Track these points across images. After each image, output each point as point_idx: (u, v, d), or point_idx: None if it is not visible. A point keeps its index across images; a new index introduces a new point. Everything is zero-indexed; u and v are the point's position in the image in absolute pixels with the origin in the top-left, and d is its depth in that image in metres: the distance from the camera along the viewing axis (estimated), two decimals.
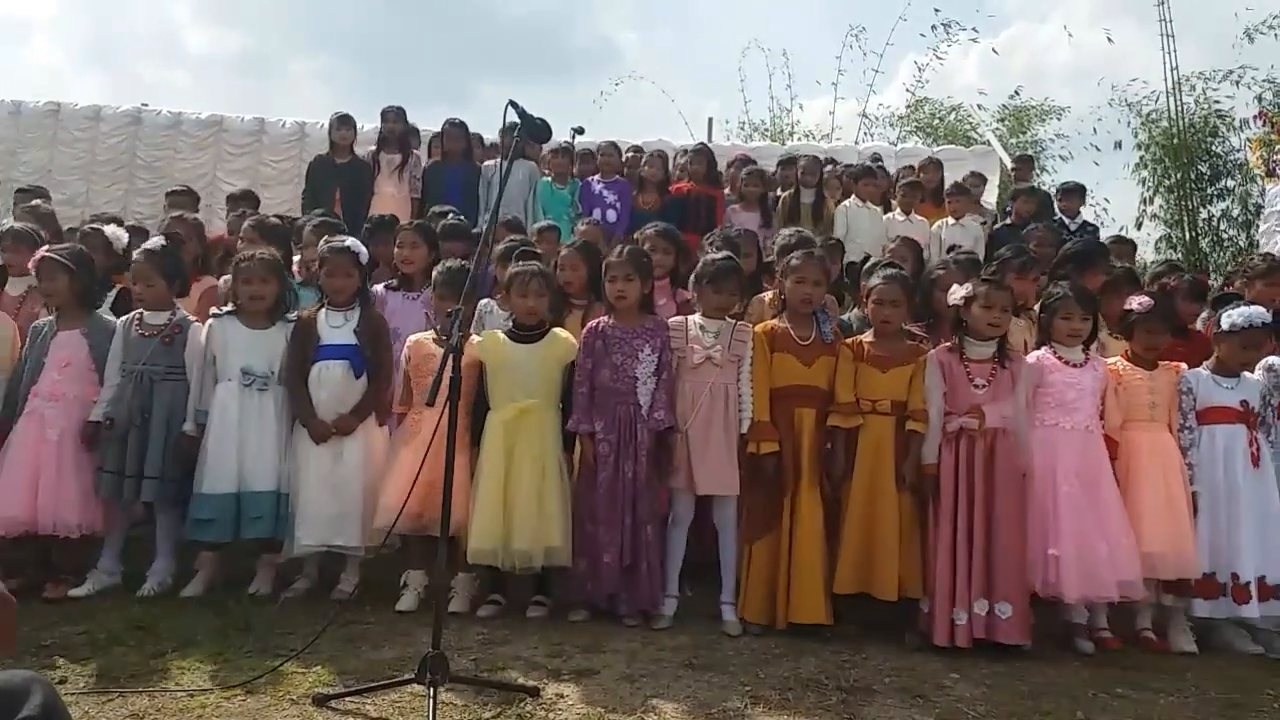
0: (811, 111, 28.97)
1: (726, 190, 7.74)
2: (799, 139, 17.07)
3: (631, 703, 3.17)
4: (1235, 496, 4.04)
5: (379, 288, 4.93)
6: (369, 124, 8.24)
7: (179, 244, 4.57)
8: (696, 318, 4.21)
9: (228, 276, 4.79)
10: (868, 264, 5.16)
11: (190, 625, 3.76)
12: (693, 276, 4.28)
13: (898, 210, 7.76)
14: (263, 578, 4.31)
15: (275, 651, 3.50)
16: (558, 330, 4.25)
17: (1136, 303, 4.26)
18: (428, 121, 8.35)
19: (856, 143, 15.53)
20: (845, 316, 4.62)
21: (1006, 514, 3.87)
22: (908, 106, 18.55)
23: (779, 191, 7.78)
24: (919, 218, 7.76)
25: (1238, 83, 15.02)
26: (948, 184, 8.24)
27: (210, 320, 4.39)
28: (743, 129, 18.66)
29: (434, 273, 4.42)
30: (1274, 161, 8.83)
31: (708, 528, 4.26)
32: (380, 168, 7.65)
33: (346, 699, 3.11)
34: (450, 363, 3.15)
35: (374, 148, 7.79)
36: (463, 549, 4.01)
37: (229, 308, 4.41)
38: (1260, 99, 13.75)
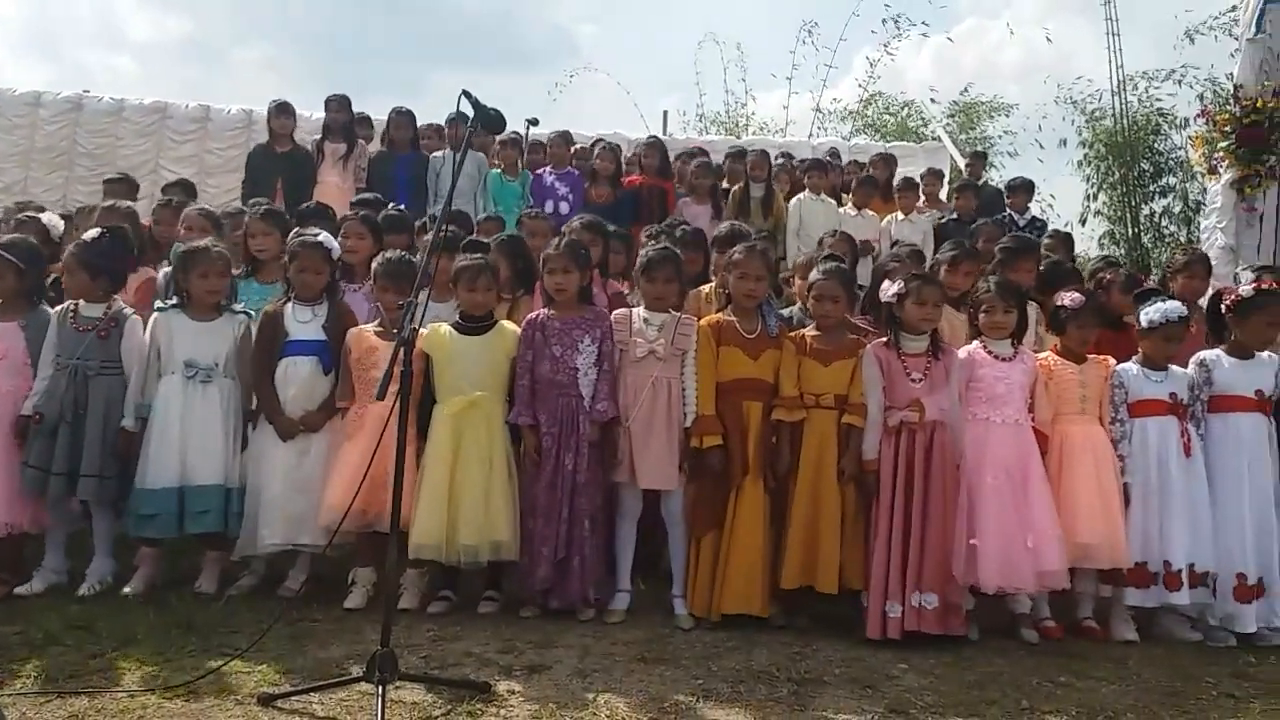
0: (766, 105, 29.16)
1: (677, 183, 7.75)
2: (754, 133, 17.15)
3: (583, 698, 3.16)
4: (1167, 487, 4.12)
5: None
6: (318, 113, 8.11)
7: (122, 237, 4.44)
8: (640, 311, 4.21)
9: (167, 269, 4.68)
10: (800, 258, 5.21)
11: (131, 624, 3.68)
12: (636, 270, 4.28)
13: (850, 205, 7.83)
14: (208, 575, 4.22)
15: (219, 650, 3.43)
16: (505, 323, 4.23)
17: (1068, 299, 4.34)
18: (381, 111, 8.23)
19: (810, 137, 15.65)
20: (786, 311, 4.64)
21: (938, 506, 3.92)
22: (860, 102, 18.71)
23: (727, 183, 7.80)
24: (870, 213, 7.85)
25: (1180, 82, 15.41)
26: (898, 179, 8.34)
27: (155, 314, 4.29)
28: (700, 121, 18.70)
29: (374, 264, 4.35)
30: (1215, 159, 9.02)
31: (659, 521, 4.27)
32: (324, 157, 7.52)
33: (293, 698, 3.06)
34: (401, 356, 3.11)
35: (318, 137, 7.67)
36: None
37: (174, 300, 4.31)
38: (1202, 98, 14.08)
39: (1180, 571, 4.04)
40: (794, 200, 7.70)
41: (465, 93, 3.31)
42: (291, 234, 4.54)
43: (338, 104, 7.70)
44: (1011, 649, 3.89)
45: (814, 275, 4.22)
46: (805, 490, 4.01)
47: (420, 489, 3.96)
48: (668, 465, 4.05)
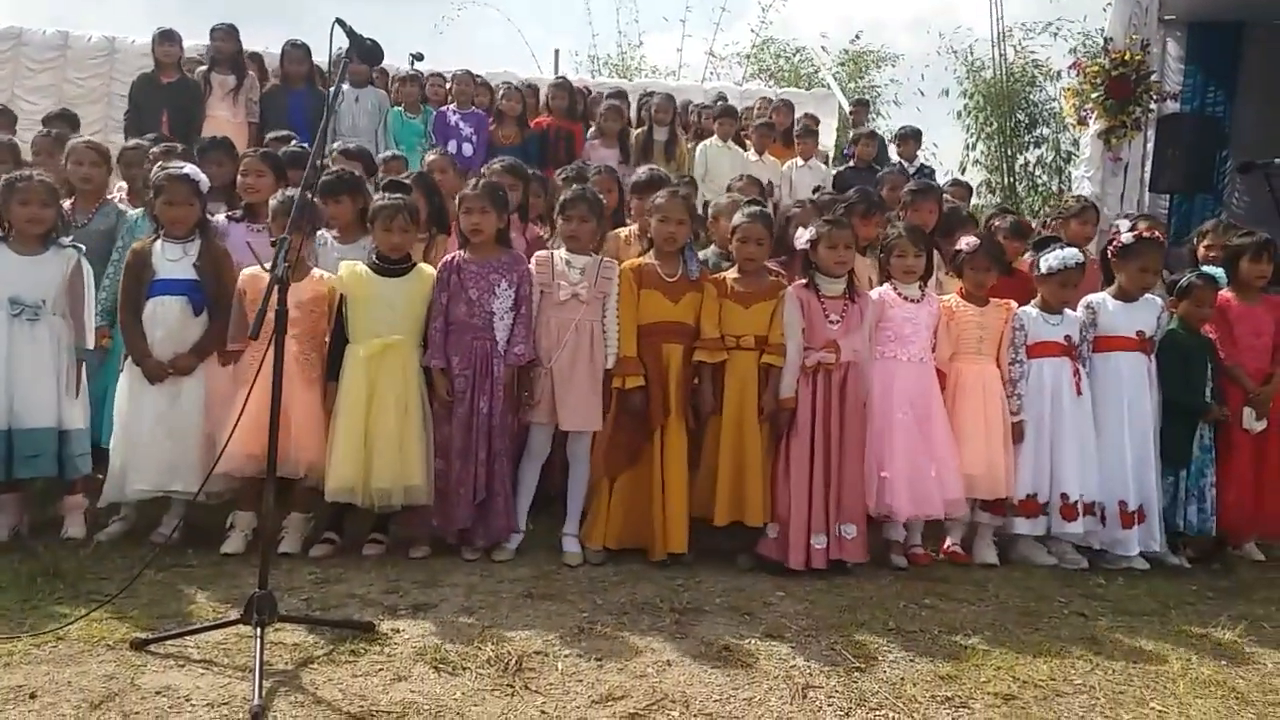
0: (659, 49, 28.96)
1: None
2: (646, 76, 17.05)
3: (469, 634, 3.19)
4: (1060, 424, 4.36)
5: (220, 218, 4.64)
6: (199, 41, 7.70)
7: None
8: (562, 254, 4.19)
9: None
10: (713, 202, 5.27)
11: None
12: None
13: (751, 150, 7.90)
14: (73, 521, 4.07)
15: (89, 597, 3.33)
16: (424, 266, 4.17)
17: (964, 243, 4.51)
18: (254, 41, 7.88)
19: (703, 81, 15.66)
20: (703, 254, 4.69)
21: (852, 441, 4.08)
22: (754, 47, 18.77)
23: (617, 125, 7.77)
24: (771, 158, 7.95)
25: (1055, 35, 15.95)
26: (798, 126, 8.45)
27: None
28: (592, 63, 18.48)
29: (271, 202, 4.19)
30: (1085, 111, 9.39)
31: (553, 462, 4.30)
32: (212, 89, 7.17)
33: (168, 643, 2.99)
34: (276, 295, 3.02)
35: (205, 67, 7.29)
36: (306, 486, 3.94)
37: None
38: (1075, 51, 14.60)
39: (1076, 503, 4.29)
40: (700, 146, 7.74)
41: (339, 21, 3.19)
42: (155, 166, 4.33)
43: (223, 33, 7.31)
44: (882, 574, 4.09)
45: (738, 218, 4.26)
46: (730, 430, 4.08)
47: (335, 432, 3.90)
48: (591, 407, 4.08)
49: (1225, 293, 4.65)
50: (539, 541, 4.22)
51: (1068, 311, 4.50)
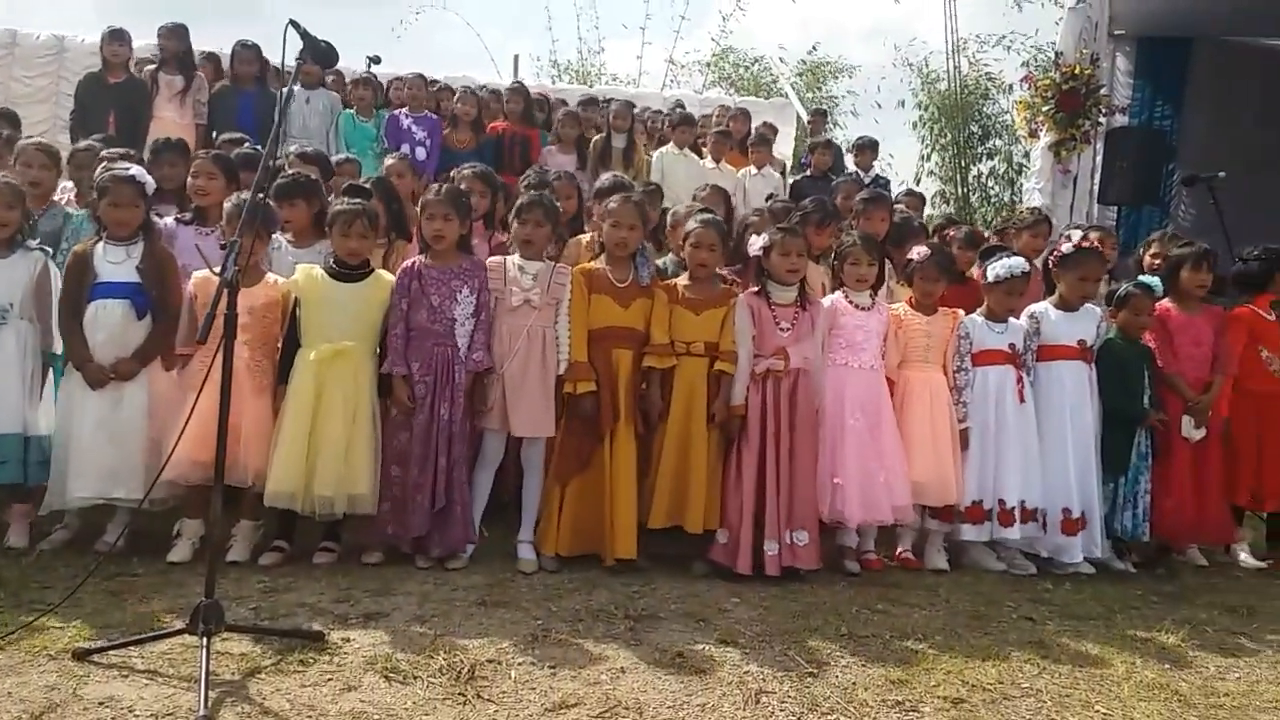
0: (619, 55, 29.01)
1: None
2: (606, 83, 17.08)
3: (421, 643, 3.16)
4: (1003, 431, 4.42)
5: (169, 220, 4.56)
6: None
7: None
8: (515, 259, 4.17)
9: None
10: (673, 210, 5.29)
11: None
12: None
13: (708, 158, 7.94)
14: (17, 529, 3.98)
15: (31, 606, 3.25)
16: (382, 273, 4.13)
17: (915, 252, 4.57)
18: (211, 42, 7.78)
19: (663, 89, 15.71)
20: (661, 261, 4.70)
21: (803, 448, 4.10)
22: (714, 55, 18.89)
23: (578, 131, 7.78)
24: (727, 166, 7.99)
25: (1008, 48, 16.25)
26: (752, 135, 8.52)
27: None
28: (553, 68, 18.49)
29: (225, 205, 4.13)
30: (1035, 123, 9.57)
31: (507, 468, 4.28)
32: (159, 89, 7.05)
33: (111, 653, 2.92)
34: (225, 298, 2.97)
35: (152, 67, 7.17)
36: (250, 494, 3.88)
37: None
38: (1027, 64, 14.89)
39: (1014, 509, 4.35)
40: (656, 154, 7.76)
41: (292, 22, 3.16)
42: (100, 167, 4.25)
43: (169, 33, 7.18)
44: (834, 580, 4.12)
45: (691, 224, 4.29)
46: (675, 435, 4.10)
47: (278, 435, 3.84)
48: (543, 413, 4.06)
49: (1166, 303, 4.75)
50: (494, 549, 4.19)
51: (1013, 320, 4.57)
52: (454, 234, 4.10)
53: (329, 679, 2.87)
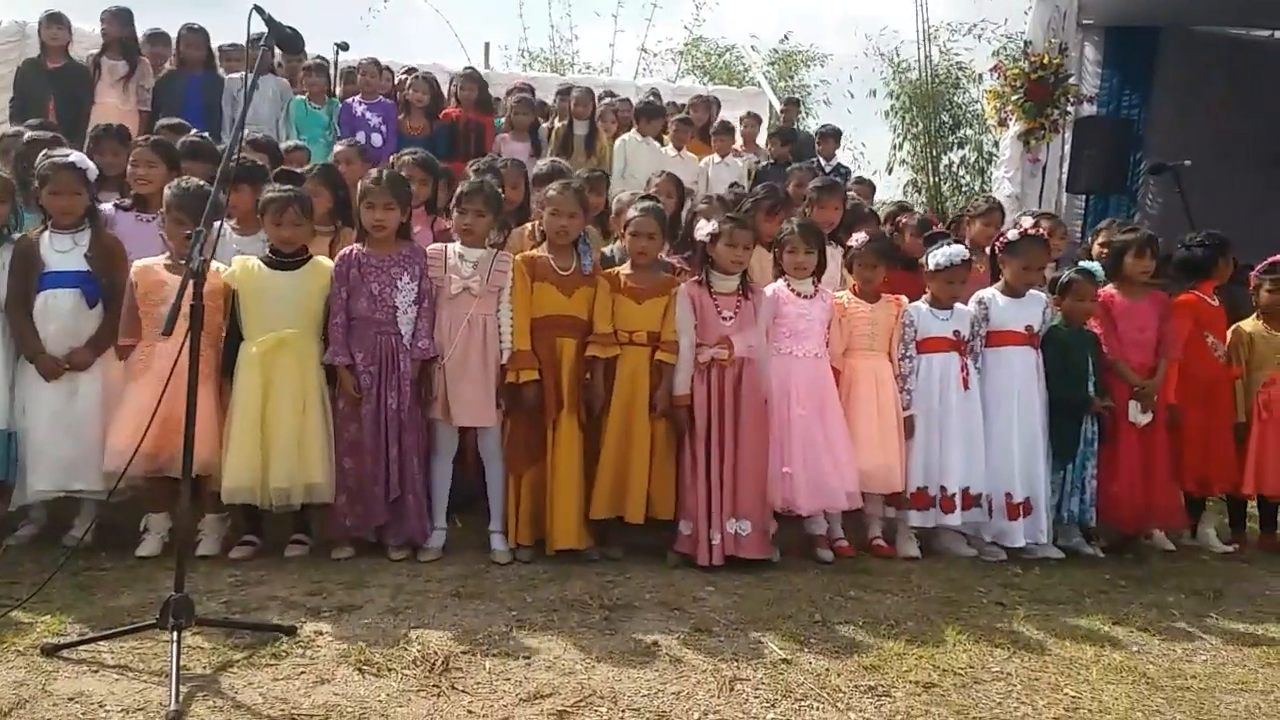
0: (591, 43, 28.89)
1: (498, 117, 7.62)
2: (579, 71, 17.01)
3: (394, 635, 3.15)
4: (948, 418, 4.44)
5: (108, 207, 4.47)
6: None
7: None
8: (455, 246, 4.13)
9: None
10: (617, 198, 5.27)
11: None
12: None
13: (670, 146, 7.91)
14: None
15: None
16: (320, 258, 4.07)
17: (854, 239, 4.58)
18: (172, 26, 7.61)
19: (635, 77, 15.68)
20: (608, 249, 4.68)
21: (749, 438, 4.10)
22: (686, 44, 18.86)
23: (556, 121, 7.73)
24: (690, 155, 7.97)
25: (979, 37, 16.32)
26: (715, 123, 8.50)
27: None
28: (524, 56, 18.37)
29: (165, 192, 4.05)
30: (1005, 113, 9.62)
31: (477, 458, 4.26)
32: (101, 74, 6.90)
33: (80, 648, 2.90)
34: (191, 289, 2.94)
35: (94, 52, 7.02)
36: (211, 489, 3.82)
37: None
38: (997, 53, 14.96)
39: (955, 495, 4.38)
40: (619, 141, 7.72)
41: (257, 8, 3.11)
42: (40, 155, 4.15)
43: (113, 17, 7.02)
44: (809, 567, 4.14)
45: (631, 212, 4.26)
46: (617, 424, 4.08)
47: (230, 431, 3.79)
48: (484, 403, 4.03)
49: (1110, 289, 4.78)
50: (469, 540, 4.18)
51: (957, 306, 4.58)
52: (395, 222, 4.05)
53: (301, 672, 2.85)
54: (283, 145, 5.90)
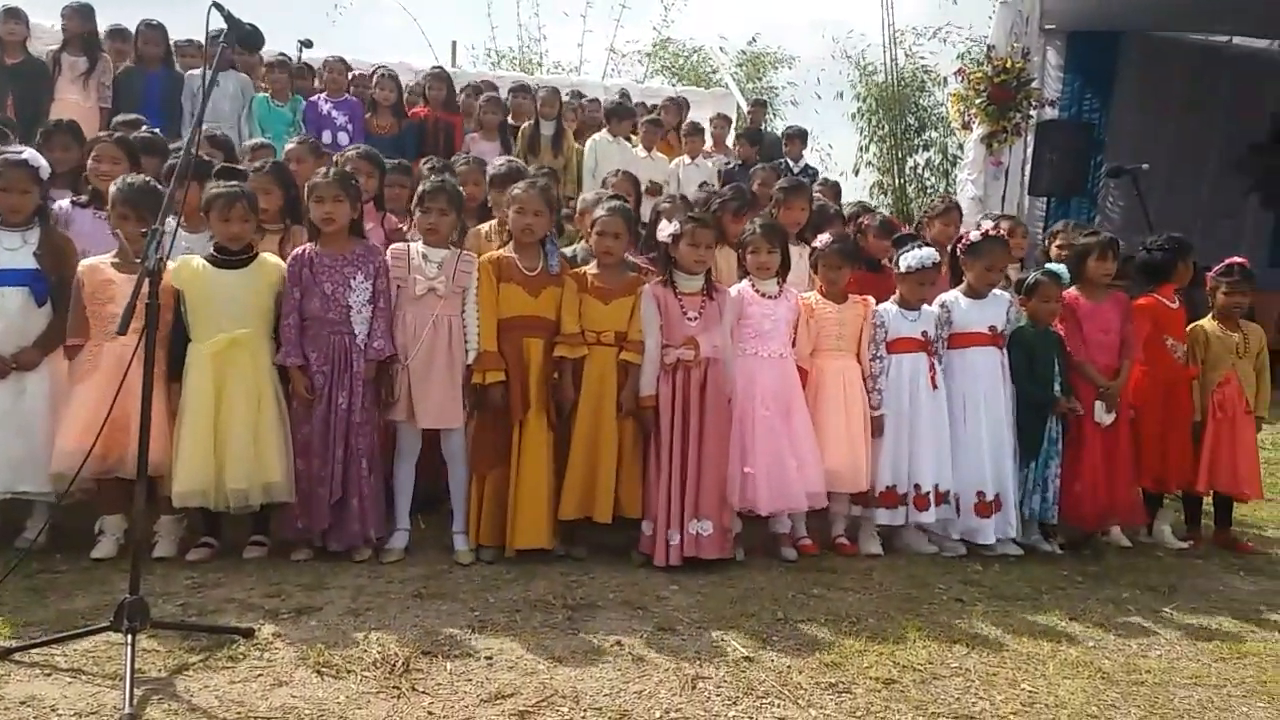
0: (560, 43, 28.82)
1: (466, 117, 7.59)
2: (548, 72, 16.99)
3: (353, 637, 3.12)
4: (916, 418, 4.47)
5: (65, 203, 4.41)
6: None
7: None
8: (419, 246, 4.10)
9: None
10: (581, 197, 5.25)
11: None
12: None
13: (640, 147, 7.93)
14: None
15: None
16: (267, 255, 4.01)
17: (819, 240, 4.61)
18: (131, 21, 7.52)
19: (604, 77, 15.68)
20: (570, 250, 4.67)
21: (713, 438, 4.10)
22: (654, 45, 18.90)
23: (524, 122, 7.71)
24: (660, 155, 7.99)
25: (944, 40, 16.49)
26: (685, 124, 8.54)
27: None
28: (491, 55, 18.31)
29: (110, 189, 3.96)
30: (968, 116, 9.73)
31: (442, 459, 4.24)
32: (62, 70, 6.81)
33: (33, 651, 2.85)
34: (147, 287, 2.90)
35: (54, 48, 6.93)
36: (165, 491, 3.76)
37: None
38: (962, 57, 15.13)
39: (928, 493, 4.42)
40: (589, 141, 7.72)
41: (216, 4, 3.08)
42: None
43: (73, 12, 6.93)
44: (772, 566, 4.16)
45: (598, 212, 4.25)
46: (585, 425, 4.07)
47: (181, 434, 3.73)
48: (450, 404, 4.01)
49: (1073, 291, 4.83)
50: (433, 541, 4.16)
51: (925, 307, 4.62)
52: (345, 217, 3.99)
53: (259, 675, 2.82)
54: (249, 143, 5.84)
